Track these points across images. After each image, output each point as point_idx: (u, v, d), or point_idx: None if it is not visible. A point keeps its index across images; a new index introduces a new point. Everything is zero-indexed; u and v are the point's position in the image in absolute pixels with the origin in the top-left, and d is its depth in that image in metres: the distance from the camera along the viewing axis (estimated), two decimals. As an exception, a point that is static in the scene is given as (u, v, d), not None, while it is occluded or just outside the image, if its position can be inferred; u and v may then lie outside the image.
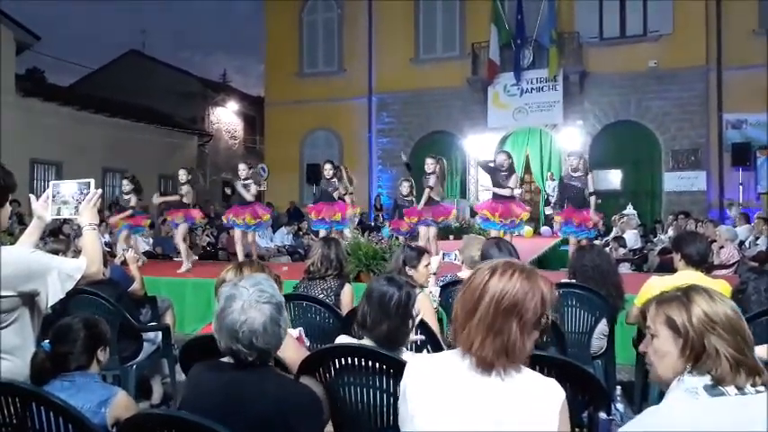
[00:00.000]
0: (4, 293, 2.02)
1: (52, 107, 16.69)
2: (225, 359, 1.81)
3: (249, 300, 1.78)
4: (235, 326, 1.75)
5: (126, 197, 8.69)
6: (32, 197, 2.37)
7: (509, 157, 7.80)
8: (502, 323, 1.51)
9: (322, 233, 7.97)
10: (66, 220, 10.06)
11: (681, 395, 1.44)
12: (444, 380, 1.57)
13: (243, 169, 8.20)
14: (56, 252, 3.51)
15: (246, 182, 8.14)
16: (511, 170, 7.66)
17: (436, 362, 1.66)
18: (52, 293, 2.09)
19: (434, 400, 1.55)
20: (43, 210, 2.34)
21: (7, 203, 2.19)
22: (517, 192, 7.79)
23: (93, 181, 2.34)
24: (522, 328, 1.51)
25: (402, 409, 1.64)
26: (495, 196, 7.72)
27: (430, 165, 8.00)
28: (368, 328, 2.30)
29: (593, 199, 7.66)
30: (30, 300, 2.12)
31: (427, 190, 7.98)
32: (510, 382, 1.51)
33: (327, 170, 8.29)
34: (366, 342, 2.32)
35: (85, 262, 2.19)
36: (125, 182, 8.84)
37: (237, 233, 8.29)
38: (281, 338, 1.83)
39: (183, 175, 8.63)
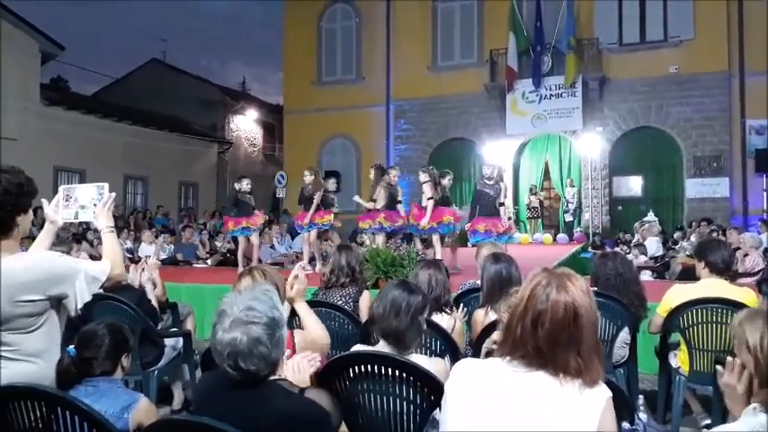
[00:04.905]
0: (34, 297, 2.05)
1: (75, 115, 16.98)
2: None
3: (236, 319, 1.70)
4: (218, 346, 1.70)
5: (248, 196, 8.94)
6: (45, 201, 2.38)
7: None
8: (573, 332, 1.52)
9: (373, 239, 8.27)
10: (83, 225, 10.30)
11: None
12: (487, 379, 1.58)
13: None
14: None
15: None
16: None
17: (481, 365, 1.68)
18: (80, 296, 2.12)
19: (475, 397, 1.57)
20: (55, 214, 2.36)
21: (30, 210, 2.22)
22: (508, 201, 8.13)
23: (107, 184, 2.36)
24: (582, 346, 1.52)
25: (444, 408, 1.65)
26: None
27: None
28: (376, 322, 2.39)
29: (502, 209, 8.22)
30: (57, 303, 2.15)
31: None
32: (556, 380, 1.51)
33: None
34: (381, 347, 2.35)
35: (109, 264, 2.22)
36: (245, 181, 9.04)
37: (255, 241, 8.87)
38: (270, 359, 1.72)
39: (247, 185, 8.90)
